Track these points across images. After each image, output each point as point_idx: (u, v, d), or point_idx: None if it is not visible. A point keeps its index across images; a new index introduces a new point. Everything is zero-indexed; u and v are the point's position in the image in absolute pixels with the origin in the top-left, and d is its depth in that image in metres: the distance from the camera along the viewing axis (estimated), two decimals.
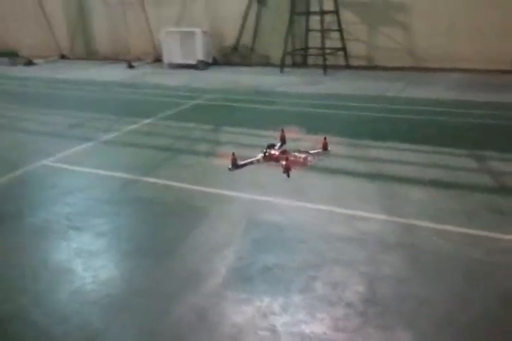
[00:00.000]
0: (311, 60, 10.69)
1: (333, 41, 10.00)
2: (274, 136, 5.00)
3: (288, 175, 4.21)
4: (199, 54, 10.62)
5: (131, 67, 10.97)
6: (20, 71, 11.34)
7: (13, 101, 7.97)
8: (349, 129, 5.69)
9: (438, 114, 6.26)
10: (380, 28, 9.90)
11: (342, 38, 9.90)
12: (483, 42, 8.97)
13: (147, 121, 6.35)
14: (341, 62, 10.19)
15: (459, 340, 2.27)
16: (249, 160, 4.48)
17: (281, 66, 9.95)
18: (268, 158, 4.52)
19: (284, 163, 4.31)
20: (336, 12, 9.73)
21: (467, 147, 4.93)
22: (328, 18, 9.84)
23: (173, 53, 10.91)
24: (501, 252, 2.98)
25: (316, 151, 4.67)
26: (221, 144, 5.18)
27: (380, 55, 10.02)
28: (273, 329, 2.34)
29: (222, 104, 7.34)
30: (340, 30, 9.87)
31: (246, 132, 5.48)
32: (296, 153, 4.54)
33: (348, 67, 10.08)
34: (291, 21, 9.91)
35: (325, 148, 4.72)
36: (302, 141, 5.04)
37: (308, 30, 10.36)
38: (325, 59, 9.51)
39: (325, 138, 4.69)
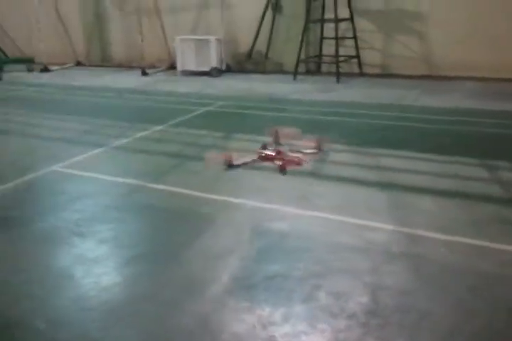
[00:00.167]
0: (324, 68, 10.66)
1: (347, 49, 9.96)
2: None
3: (284, 174, 4.44)
4: (213, 61, 10.66)
5: (145, 74, 11.03)
6: (36, 77, 11.47)
7: (27, 107, 8.05)
8: (360, 137, 5.65)
9: (452, 123, 6.19)
10: (396, 36, 9.84)
11: (356, 46, 9.87)
12: (499, 51, 8.85)
13: (158, 127, 6.38)
14: (355, 69, 10.15)
15: None
16: (244, 161, 4.70)
17: (295, 73, 9.93)
18: (264, 158, 4.74)
19: (279, 163, 4.56)
20: (351, 20, 9.72)
21: (479, 156, 4.85)
22: (343, 26, 9.82)
23: (187, 60, 10.96)
24: (510, 264, 2.91)
25: (310, 151, 4.84)
26: (230, 151, 5.17)
27: (395, 63, 9.95)
28: (273, 340, 2.31)
29: (233, 111, 7.35)
30: (355, 38, 9.84)
31: (256, 139, 5.47)
32: (290, 153, 4.77)
33: (362, 74, 10.04)
34: (306, 29, 9.90)
35: (319, 147, 4.85)
36: (298, 141, 5.20)
37: (322, 37, 10.34)
38: (338, 66, 9.48)
39: (319, 138, 4.81)
